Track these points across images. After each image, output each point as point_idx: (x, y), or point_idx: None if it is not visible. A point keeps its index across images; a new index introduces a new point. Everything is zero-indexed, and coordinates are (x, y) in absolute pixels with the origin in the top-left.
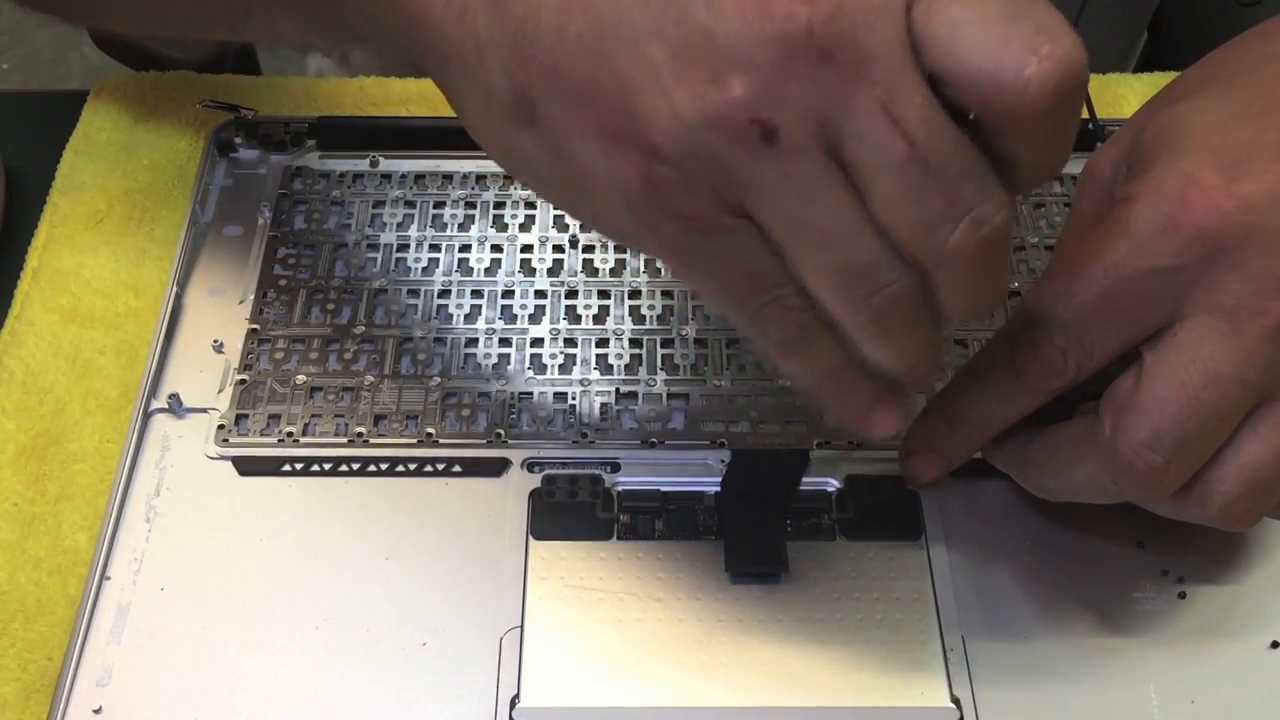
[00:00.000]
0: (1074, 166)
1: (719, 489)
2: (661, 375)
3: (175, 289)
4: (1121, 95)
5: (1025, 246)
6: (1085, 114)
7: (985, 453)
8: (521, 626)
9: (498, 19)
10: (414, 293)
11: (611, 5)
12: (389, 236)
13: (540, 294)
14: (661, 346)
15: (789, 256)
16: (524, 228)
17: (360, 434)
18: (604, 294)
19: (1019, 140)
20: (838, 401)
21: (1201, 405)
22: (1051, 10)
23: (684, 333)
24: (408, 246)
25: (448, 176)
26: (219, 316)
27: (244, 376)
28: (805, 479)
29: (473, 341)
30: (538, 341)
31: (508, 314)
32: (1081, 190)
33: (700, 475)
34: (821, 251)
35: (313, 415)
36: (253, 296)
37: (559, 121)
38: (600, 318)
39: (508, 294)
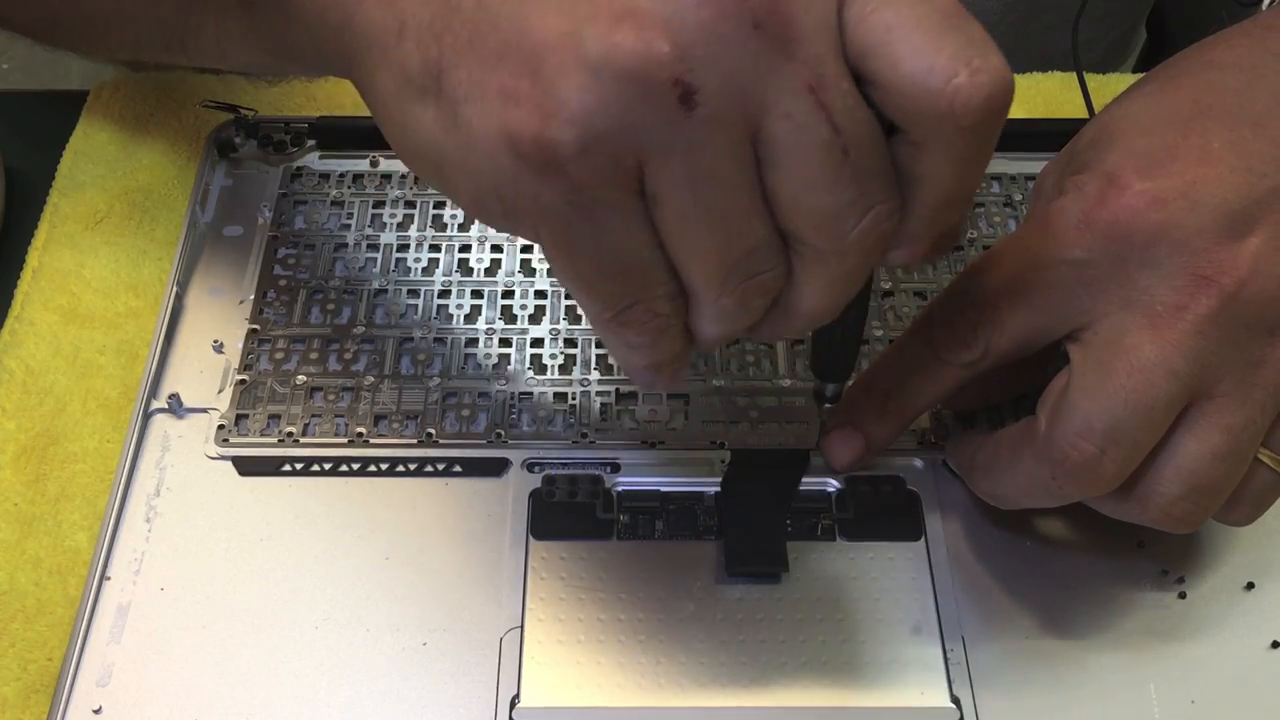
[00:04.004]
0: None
1: (719, 489)
2: None
3: (175, 289)
4: None
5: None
6: (1086, 114)
7: (947, 457)
8: (521, 626)
9: None
10: (414, 293)
11: None
12: (389, 236)
13: (540, 294)
14: None
15: (675, 234)
16: None
17: (360, 434)
18: None
19: (935, 155)
20: (643, 381)
21: (1129, 393)
22: (983, 30)
23: None
24: (408, 246)
25: None
26: (219, 316)
27: (244, 376)
28: (805, 479)
29: (473, 341)
30: (538, 341)
31: (508, 314)
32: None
33: (700, 475)
34: (711, 230)
35: (313, 415)
36: (253, 296)
37: (464, 87)
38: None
39: (508, 294)
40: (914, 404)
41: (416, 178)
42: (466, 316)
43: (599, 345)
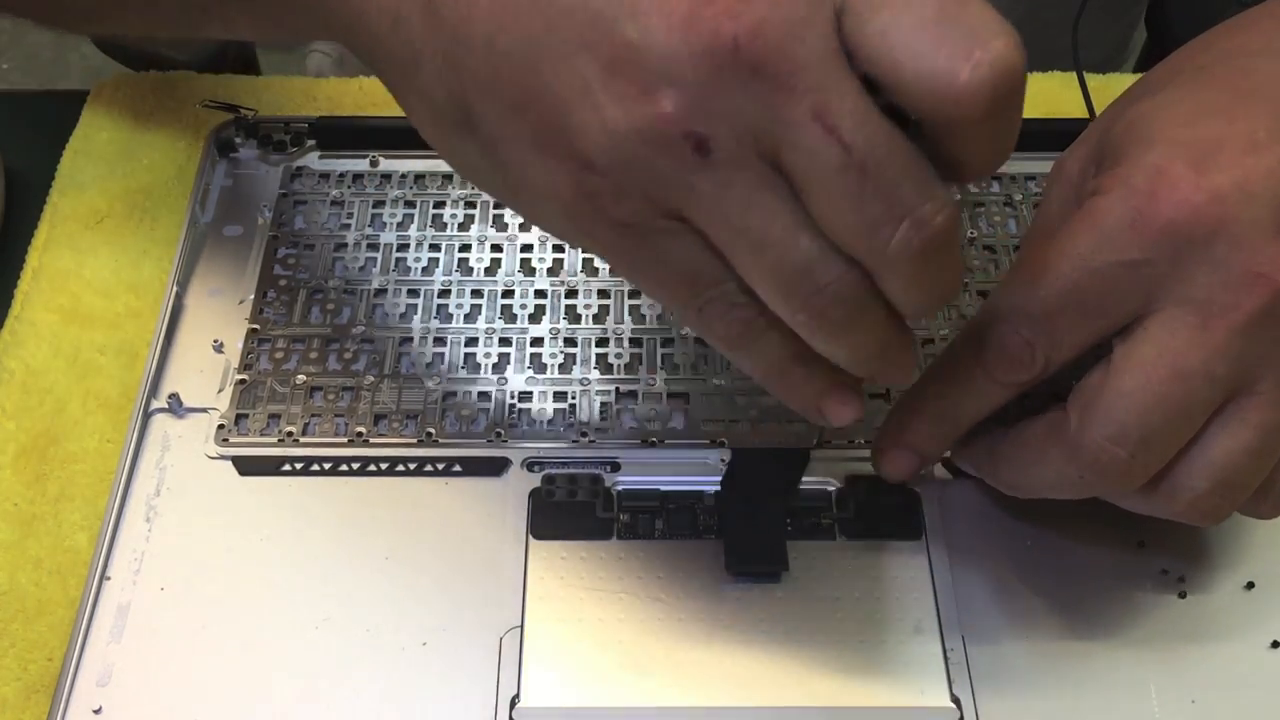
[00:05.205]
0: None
1: (719, 488)
2: (661, 375)
3: (175, 289)
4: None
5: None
6: (1086, 114)
7: (953, 455)
8: (521, 626)
9: (431, 28)
10: (414, 293)
11: (541, 17)
12: (389, 236)
13: (540, 293)
14: (661, 346)
15: (729, 259)
16: (524, 227)
17: (360, 434)
18: (604, 293)
19: (959, 143)
20: (786, 394)
21: (1167, 400)
22: (984, 9)
23: (684, 332)
24: (408, 246)
25: (448, 176)
26: (219, 316)
27: (244, 376)
28: (805, 479)
29: (473, 341)
30: (538, 341)
31: (508, 314)
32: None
33: (700, 475)
34: (759, 254)
35: (313, 415)
36: (253, 296)
37: (495, 130)
38: (600, 317)
39: (508, 294)
40: (967, 421)
41: (417, 177)
42: (466, 316)
43: (599, 345)
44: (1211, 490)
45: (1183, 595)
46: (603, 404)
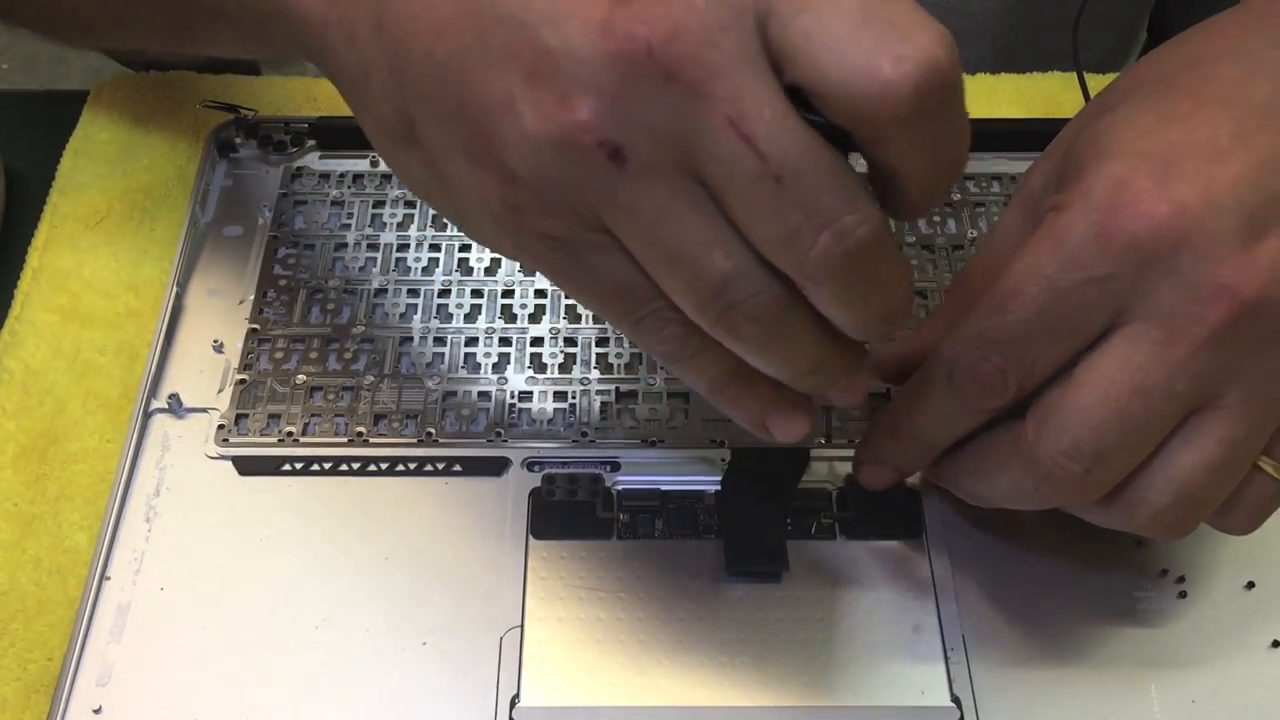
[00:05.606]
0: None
1: (719, 488)
2: (661, 374)
3: (175, 289)
4: None
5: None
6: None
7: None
8: (521, 626)
9: (380, 42)
10: (414, 293)
11: (474, 28)
12: (389, 236)
13: (540, 293)
14: None
15: (649, 273)
16: None
17: (360, 433)
18: None
19: (895, 149)
20: (729, 409)
21: (1124, 417)
22: (912, 7)
23: None
24: (408, 246)
25: None
26: (219, 316)
27: (244, 376)
28: (805, 479)
29: (473, 341)
30: (538, 341)
31: (508, 314)
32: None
33: (700, 474)
34: (674, 269)
35: (313, 415)
36: (253, 296)
37: (434, 142)
38: (600, 317)
39: (508, 293)
40: (941, 444)
41: None
42: (466, 316)
43: (599, 345)
44: (1173, 504)
45: (1183, 595)
46: (603, 404)
